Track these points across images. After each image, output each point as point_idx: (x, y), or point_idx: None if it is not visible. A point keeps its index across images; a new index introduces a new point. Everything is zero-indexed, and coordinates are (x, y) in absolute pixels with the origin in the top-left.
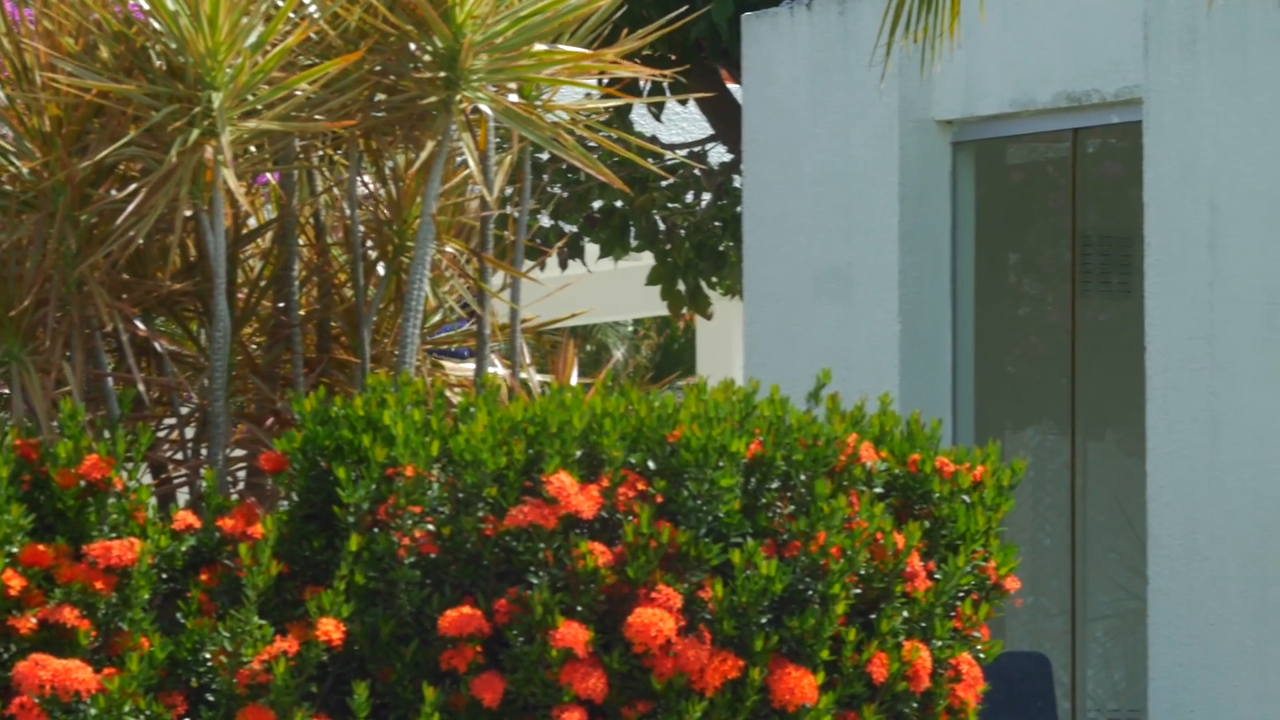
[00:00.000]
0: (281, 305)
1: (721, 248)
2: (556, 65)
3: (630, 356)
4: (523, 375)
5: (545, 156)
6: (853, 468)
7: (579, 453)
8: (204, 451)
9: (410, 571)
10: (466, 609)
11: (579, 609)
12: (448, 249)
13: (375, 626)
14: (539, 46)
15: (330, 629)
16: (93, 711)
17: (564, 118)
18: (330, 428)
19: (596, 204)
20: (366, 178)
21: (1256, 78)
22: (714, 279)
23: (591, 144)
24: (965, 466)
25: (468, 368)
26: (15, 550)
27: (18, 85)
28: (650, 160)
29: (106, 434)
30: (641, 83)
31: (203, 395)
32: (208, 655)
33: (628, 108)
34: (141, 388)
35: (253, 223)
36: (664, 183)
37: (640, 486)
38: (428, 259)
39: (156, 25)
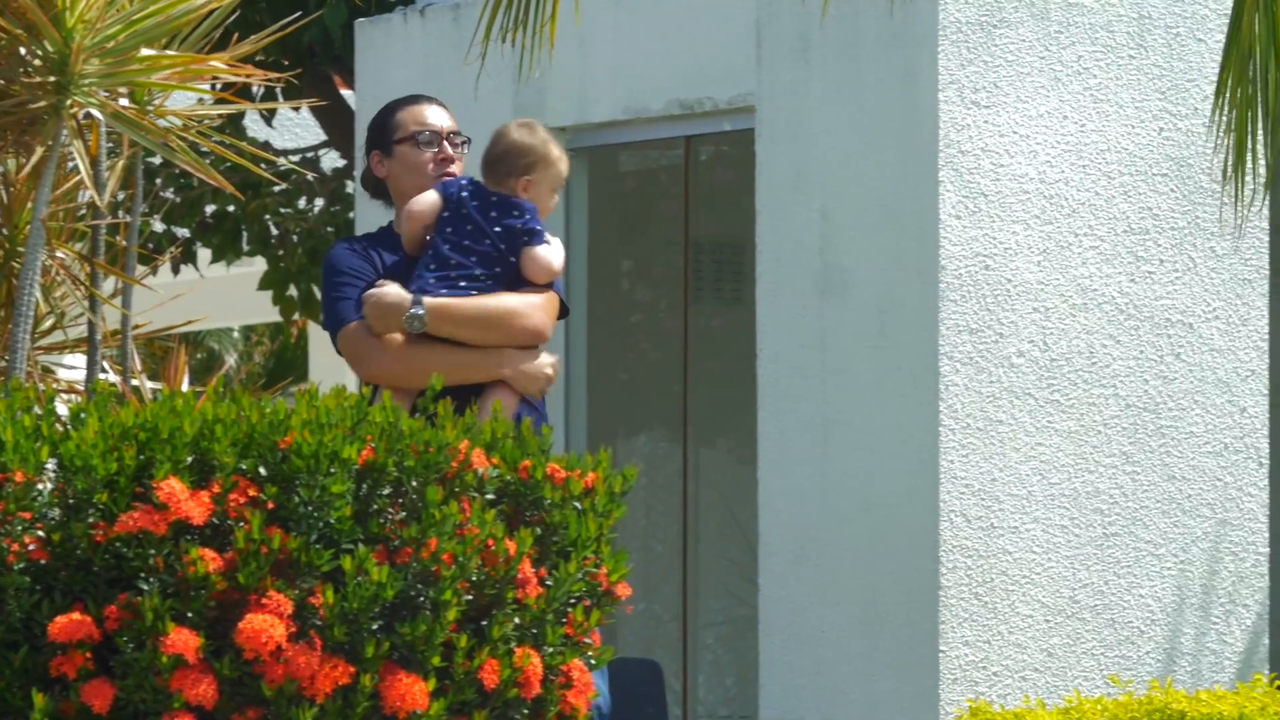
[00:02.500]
0: None
1: None
2: (166, 69)
3: (243, 363)
4: (134, 382)
5: (159, 161)
6: (464, 474)
7: (190, 459)
8: None
9: (20, 578)
10: (76, 615)
11: (189, 615)
12: (59, 255)
13: None
14: (148, 51)
15: None
16: None
17: (176, 123)
18: None
19: (209, 209)
20: None
21: (868, 85)
22: None
23: (204, 149)
24: (577, 473)
25: (79, 374)
26: None
27: None
28: (263, 166)
29: None
30: (254, 88)
31: None
32: None
33: (241, 113)
34: None
35: None
36: (276, 188)
37: (251, 493)
38: (38, 265)
39: None
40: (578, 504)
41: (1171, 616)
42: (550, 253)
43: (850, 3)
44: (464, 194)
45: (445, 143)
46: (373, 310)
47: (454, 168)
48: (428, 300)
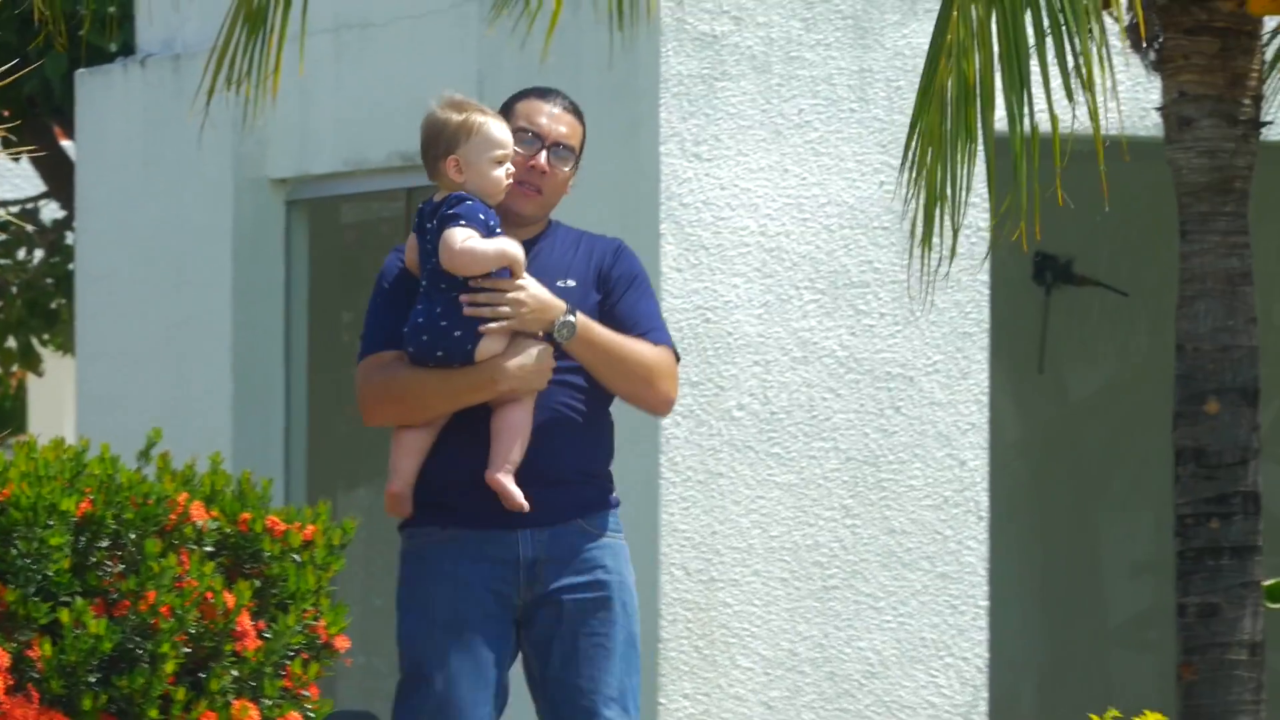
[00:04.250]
0: None
1: (54, 305)
2: None
3: None
4: None
5: None
6: (183, 527)
7: None
8: None
9: None
10: None
11: None
12: None
13: None
14: None
15: None
16: None
17: None
18: None
19: None
20: None
21: (590, 138)
22: (45, 336)
23: None
24: (296, 526)
25: None
26: None
27: None
28: None
29: None
30: None
31: None
32: None
33: None
34: None
35: None
36: None
37: None
38: None
39: None
40: (297, 557)
41: (892, 669)
42: (454, 235)
43: (572, 55)
44: (425, 220)
45: (544, 151)
46: (531, 306)
47: (537, 183)
48: (581, 315)
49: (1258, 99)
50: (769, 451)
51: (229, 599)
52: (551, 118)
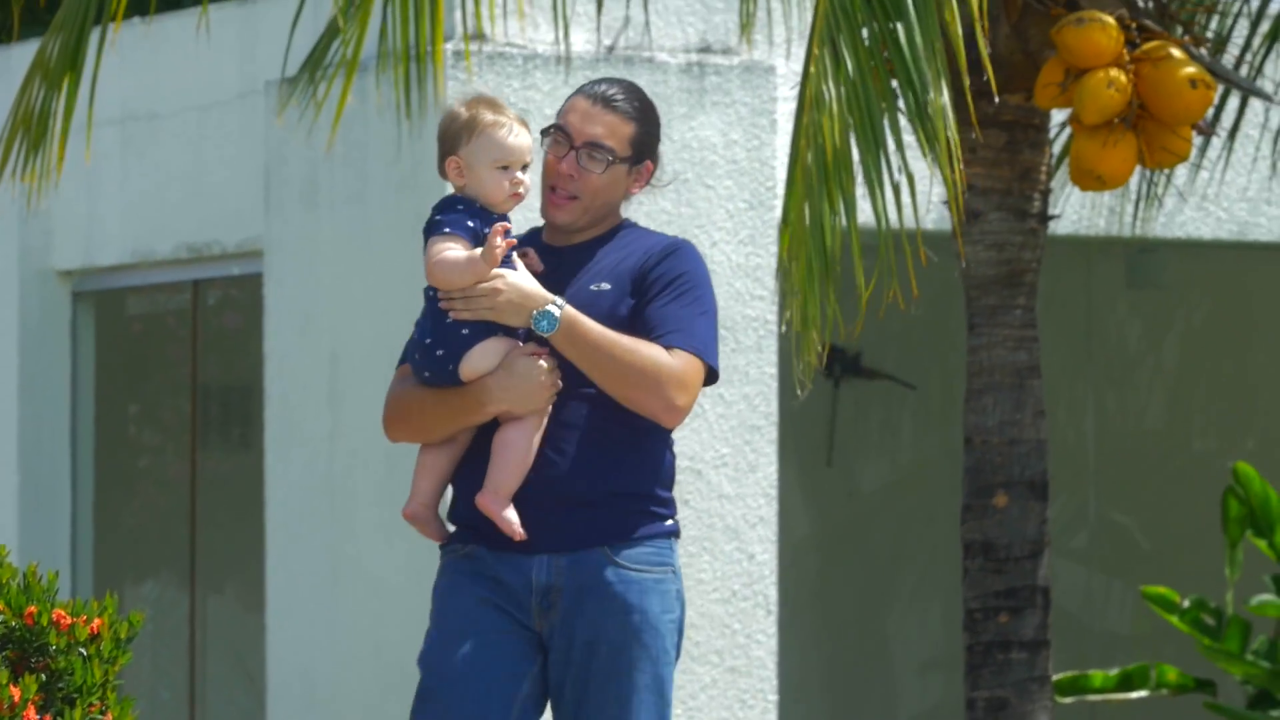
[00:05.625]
0: None
1: None
2: None
3: None
4: None
5: None
6: None
7: None
8: None
9: None
10: None
11: None
12: None
13: None
14: None
15: None
16: None
17: None
18: None
19: None
20: None
21: (376, 230)
22: None
23: None
24: (83, 619)
25: None
26: None
27: None
28: None
29: None
30: None
31: None
32: None
33: None
34: None
35: None
36: None
37: None
38: None
39: None
40: (83, 650)
41: None
42: (432, 246)
43: (359, 148)
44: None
45: (573, 152)
46: (508, 295)
47: (567, 189)
48: (569, 308)
49: (1045, 193)
50: None
51: (15, 693)
52: (585, 115)
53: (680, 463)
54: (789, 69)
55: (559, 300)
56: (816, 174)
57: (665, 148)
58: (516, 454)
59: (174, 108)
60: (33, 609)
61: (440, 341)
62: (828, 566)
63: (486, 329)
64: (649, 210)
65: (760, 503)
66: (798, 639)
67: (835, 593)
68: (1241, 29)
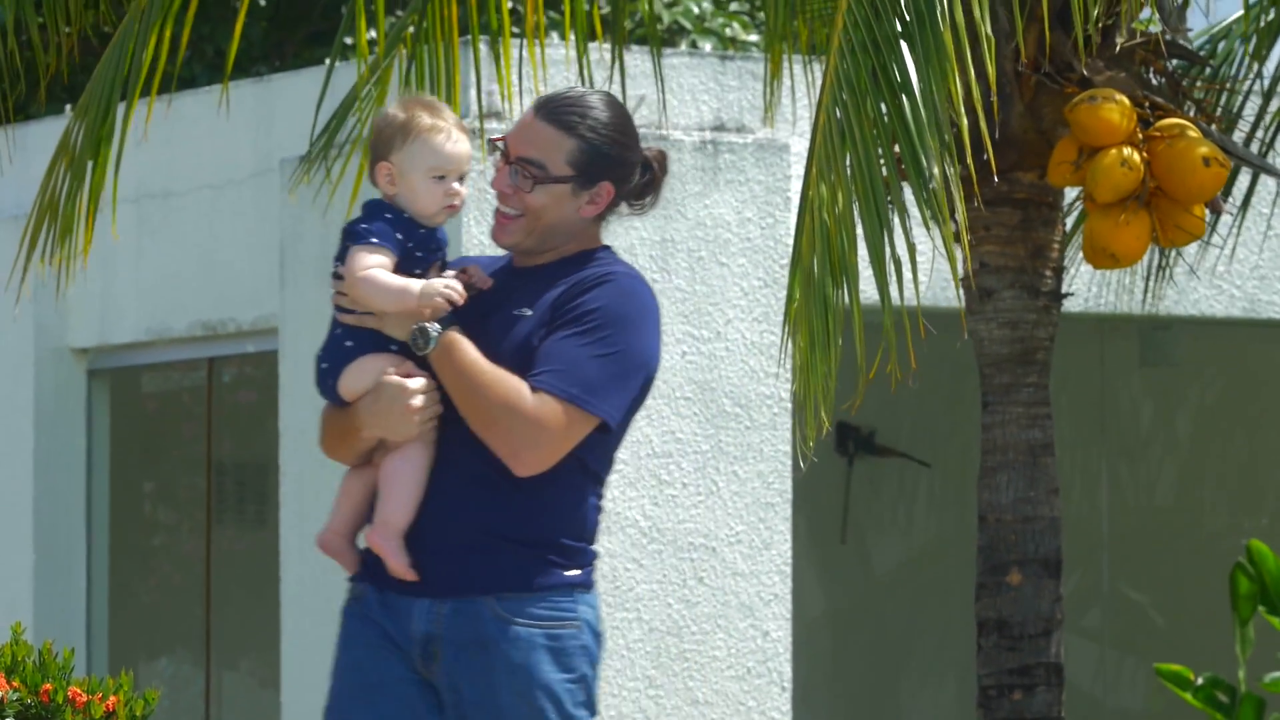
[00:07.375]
0: None
1: None
2: None
3: None
4: None
5: None
6: None
7: None
8: None
9: None
10: None
11: None
12: None
13: None
14: None
15: None
16: None
17: None
18: None
19: None
20: None
21: None
22: None
23: None
24: (98, 697)
25: None
26: None
27: None
28: None
29: None
30: None
31: None
32: None
33: None
34: None
35: None
36: None
37: None
38: None
39: None
40: None
41: None
42: (359, 259)
43: None
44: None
45: (509, 168)
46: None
47: (506, 206)
48: (454, 332)
49: (1058, 270)
50: None
51: None
52: (521, 128)
53: (694, 540)
54: (803, 147)
55: (450, 321)
56: (820, 247)
57: (679, 225)
58: (401, 486)
59: (189, 186)
60: (48, 686)
61: (326, 354)
62: (842, 644)
63: (374, 343)
64: (663, 289)
65: (774, 580)
66: (812, 717)
67: (849, 670)
68: (1252, 105)
